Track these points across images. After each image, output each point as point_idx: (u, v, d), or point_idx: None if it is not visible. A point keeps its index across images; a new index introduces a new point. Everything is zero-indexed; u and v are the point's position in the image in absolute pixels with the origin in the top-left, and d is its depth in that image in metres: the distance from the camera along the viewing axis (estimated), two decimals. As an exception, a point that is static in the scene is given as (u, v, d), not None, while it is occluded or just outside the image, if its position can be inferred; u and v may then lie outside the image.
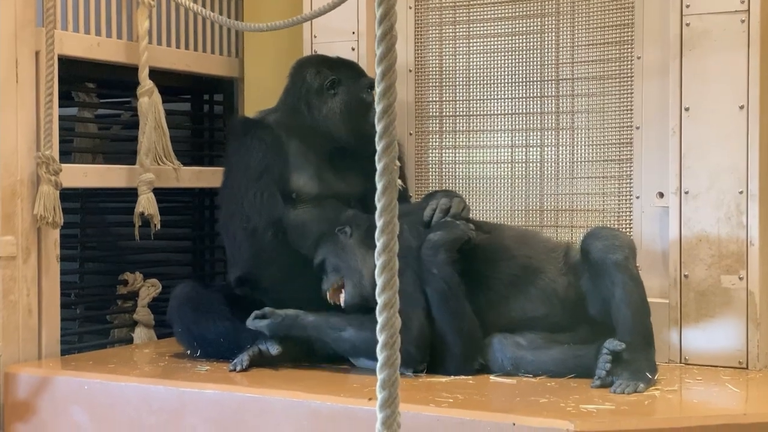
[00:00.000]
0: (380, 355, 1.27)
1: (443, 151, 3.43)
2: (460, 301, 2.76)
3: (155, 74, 3.51)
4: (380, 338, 1.26)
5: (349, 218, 2.98)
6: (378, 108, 1.32)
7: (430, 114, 3.45)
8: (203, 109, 4.20)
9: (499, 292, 2.84)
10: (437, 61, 3.43)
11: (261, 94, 3.63)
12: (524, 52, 3.29)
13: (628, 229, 3.11)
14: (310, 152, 3.17)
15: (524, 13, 3.29)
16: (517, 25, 3.30)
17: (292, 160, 3.14)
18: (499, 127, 3.34)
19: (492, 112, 3.35)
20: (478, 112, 3.37)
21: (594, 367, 2.61)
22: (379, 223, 1.27)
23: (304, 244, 3.05)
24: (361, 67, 3.27)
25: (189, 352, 3.09)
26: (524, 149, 3.30)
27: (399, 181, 1.33)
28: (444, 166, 3.42)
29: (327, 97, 3.17)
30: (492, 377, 2.73)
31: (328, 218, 3.07)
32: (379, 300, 1.27)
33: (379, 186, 1.27)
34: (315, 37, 3.52)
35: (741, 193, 2.86)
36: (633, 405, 2.43)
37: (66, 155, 3.54)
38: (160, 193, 3.56)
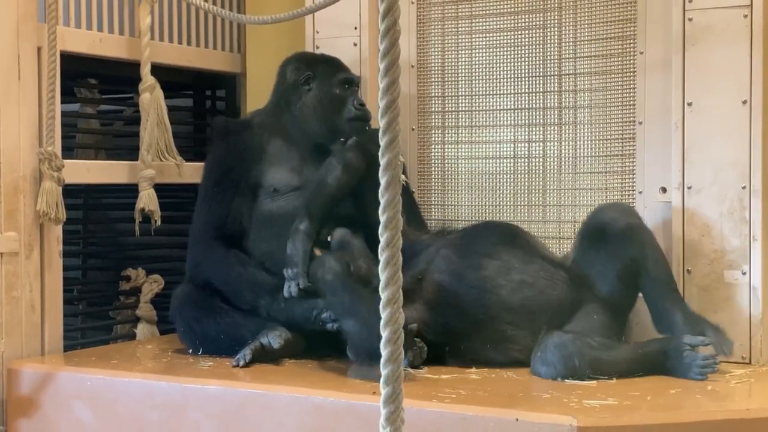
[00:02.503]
0: (384, 351, 1.27)
1: (445, 146, 3.43)
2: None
3: (157, 70, 3.51)
4: (384, 334, 1.26)
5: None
6: (381, 103, 1.32)
7: (433, 109, 3.45)
8: (205, 104, 4.20)
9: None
10: (439, 57, 3.43)
11: (263, 90, 3.62)
12: (527, 47, 3.29)
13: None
14: (292, 148, 3.22)
15: (527, 8, 3.28)
16: (520, 20, 3.30)
17: (270, 157, 3.21)
18: (501, 122, 3.34)
19: (494, 107, 3.34)
20: (481, 108, 3.37)
21: (667, 365, 2.65)
22: (382, 218, 1.27)
23: (284, 232, 3.07)
24: (343, 64, 3.28)
25: (191, 350, 3.10)
26: (527, 144, 3.30)
27: (403, 176, 1.33)
28: (446, 161, 3.42)
29: (302, 93, 3.23)
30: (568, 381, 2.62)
31: None
32: (383, 296, 1.27)
33: (382, 181, 1.27)
34: (317, 32, 3.52)
35: (744, 188, 2.86)
36: (635, 400, 2.43)
37: (68, 151, 3.53)
38: (163, 189, 3.56)
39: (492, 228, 3.03)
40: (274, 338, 2.90)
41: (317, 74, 3.21)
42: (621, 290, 2.87)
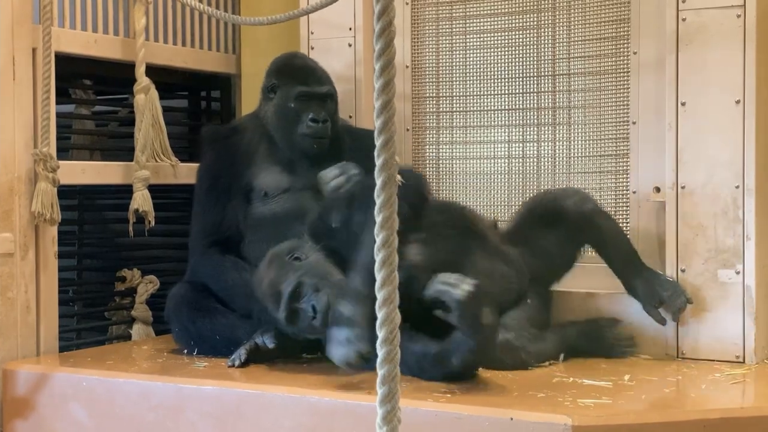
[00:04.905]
0: (380, 351, 1.27)
1: (440, 146, 3.43)
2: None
3: (152, 71, 3.51)
4: (380, 334, 1.27)
5: (295, 247, 2.85)
6: (377, 104, 1.32)
7: (427, 110, 3.45)
8: (200, 105, 4.20)
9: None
10: (434, 57, 3.44)
11: (258, 91, 3.63)
12: (521, 47, 3.30)
13: (624, 224, 3.12)
14: (279, 150, 3.21)
15: (521, 8, 3.29)
16: (514, 21, 3.31)
17: (259, 161, 3.21)
18: (496, 122, 3.34)
19: (489, 107, 3.35)
20: (475, 108, 3.37)
21: (591, 346, 2.89)
22: (378, 218, 1.27)
23: (277, 234, 3.07)
24: (312, 75, 3.18)
25: (186, 351, 3.10)
26: (521, 144, 3.31)
27: (398, 177, 1.33)
28: (441, 161, 3.43)
29: (267, 101, 3.24)
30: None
31: (301, 208, 3.11)
32: (379, 295, 1.27)
33: (378, 182, 1.27)
34: (312, 33, 3.53)
35: (737, 187, 2.87)
36: (630, 399, 2.44)
37: (63, 152, 3.54)
38: (158, 190, 3.56)
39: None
40: (269, 338, 2.91)
41: (280, 84, 3.19)
42: (556, 269, 3.03)
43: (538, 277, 2.98)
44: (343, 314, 2.55)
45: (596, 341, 2.94)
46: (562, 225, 2.97)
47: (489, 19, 3.34)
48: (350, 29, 3.46)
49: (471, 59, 3.38)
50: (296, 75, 3.21)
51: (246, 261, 3.13)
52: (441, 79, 3.43)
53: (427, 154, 3.45)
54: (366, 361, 2.50)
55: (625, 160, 3.14)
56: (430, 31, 3.44)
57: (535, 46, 3.28)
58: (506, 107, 3.33)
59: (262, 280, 2.82)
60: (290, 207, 3.12)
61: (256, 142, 3.24)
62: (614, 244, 2.98)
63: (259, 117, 3.28)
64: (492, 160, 3.35)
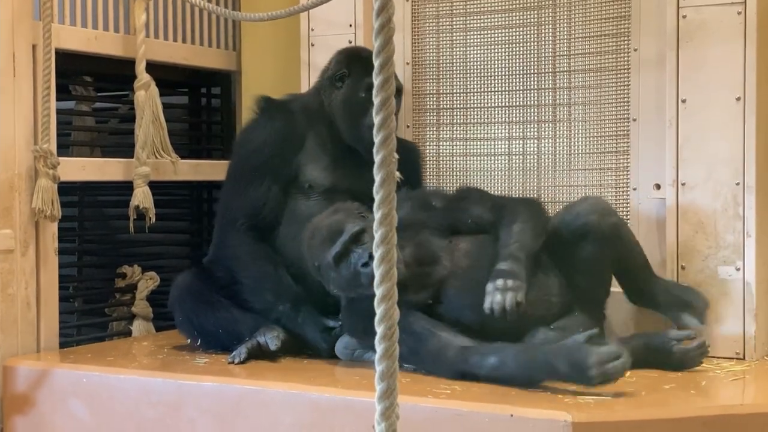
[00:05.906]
0: (378, 347, 1.27)
1: (441, 143, 3.43)
2: None
3: (152, 67, 3.51)
4: (379, 330, 1.27)
5: (362, 208, 2.82)
6: (376, 101, 1.32)
7: (428, 106, 3.45)
8: (201, 102, 4.21)
9: None
10: (434, 54, 3.44)
11: (258, 87, 3.63)
12: (521, 44, 3.30)
13: (625, 221, 3.12)
14: (328, 143, 3.15)
15: (521, 5, 3.29)
16: (514, 17, 3.31)
17: (308, 149, 3.13)
18: (496, 119, 3.34)
19: (489, 104, 3.35)
20: (476, 105, 3.37)
21: (652, 359, 2.73)
22: (377, 215, 1.27)
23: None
24: None
25: (190, 341, 3.10)
26: (521, 141, 3.31)
27: (397, 173, 1.33)
28: (441, 158, 3.43)
29: (334, 90, 3.16)
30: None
31: None
32: (377, 292, 1.27)
33: (377, 178, 1.27)
34: (312, 30, 3.53)
35: (738, 184, 2.87)
36: (630, 396, 2.44)
37: (64, 149, 3.54)
38: (158, 187, 3.57)
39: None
40: (272, 339, 2.89)
41: (351, 73, 3.12)
42: (598, 284, 2.89)
43: (585, 297, 2.85)
44: (504, 269, 2.66)
45: (664, 354, 2.73)
46: (589, 241, 2.82)
47: (489, 16, 3.34)
48: (350, 26, 3.46)
49: (471, 56, 3.37)
50: (369, 66, 3.13)
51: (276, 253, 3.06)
52: (441, 76, 3.43)
53: (428, 150, 3.44)
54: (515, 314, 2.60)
55: (625, 157, 3.14)
56: (431, 27, 3.44)
57: (535, 43, 3.28)
58: (507, 104, 3.32)
59: (321, 223, 2.75)
60: (328, 206, 3.04)
61: (307, 128, 3.14)
62: (633, 256, 2.88)
63: (317, 102, 3.18)
64: (492, 157, 3.34)
